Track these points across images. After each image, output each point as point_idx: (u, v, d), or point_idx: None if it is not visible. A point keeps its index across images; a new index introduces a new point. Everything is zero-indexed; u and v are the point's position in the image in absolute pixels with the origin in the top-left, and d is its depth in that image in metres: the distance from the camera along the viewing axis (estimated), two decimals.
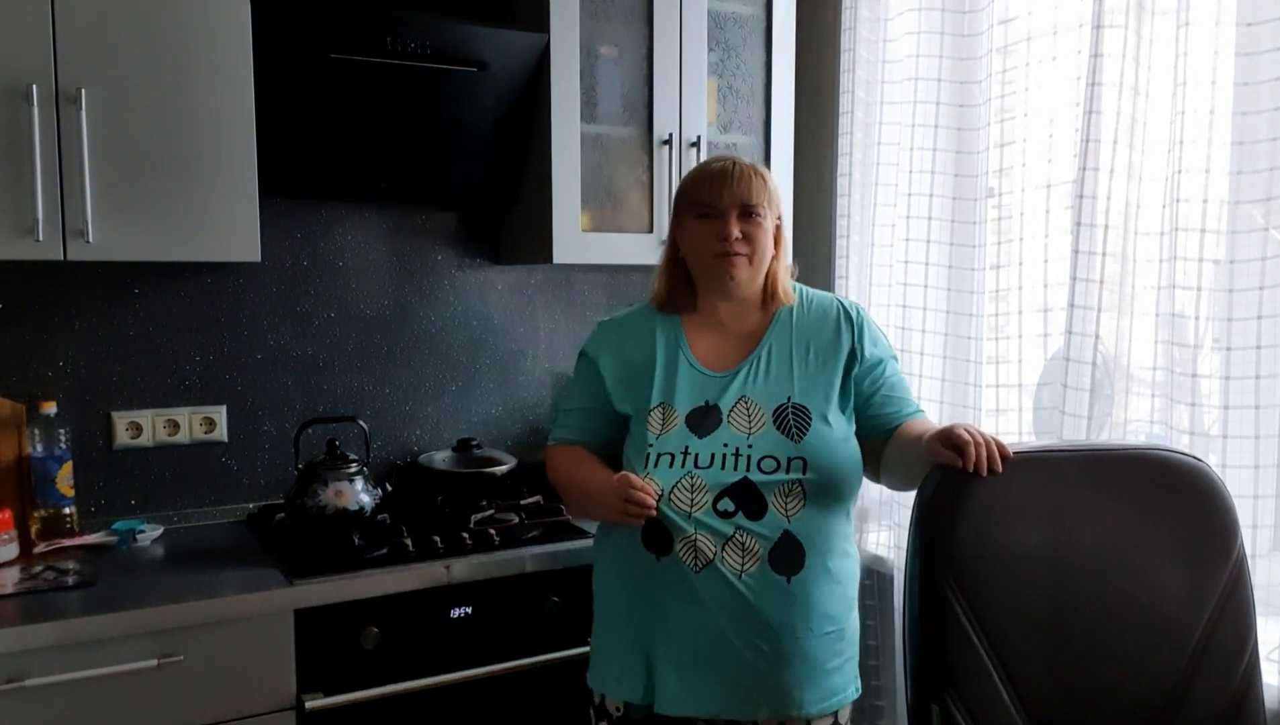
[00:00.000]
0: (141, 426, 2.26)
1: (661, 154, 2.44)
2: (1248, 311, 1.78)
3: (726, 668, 1.61)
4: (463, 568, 2.02)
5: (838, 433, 1.66)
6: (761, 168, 1.73)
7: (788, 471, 1.60)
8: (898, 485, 1.84)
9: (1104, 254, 2.00)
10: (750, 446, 1.62)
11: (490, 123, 2.32)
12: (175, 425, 2.29)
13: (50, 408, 2.10)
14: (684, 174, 2.44)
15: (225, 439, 2.35)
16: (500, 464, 2.44)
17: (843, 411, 1.69)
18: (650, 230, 2.46)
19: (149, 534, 2.15)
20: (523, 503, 2.34)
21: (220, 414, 2.34)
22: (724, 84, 2.56)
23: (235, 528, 2.29)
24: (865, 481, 1.74)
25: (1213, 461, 1.76)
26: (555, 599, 2.11)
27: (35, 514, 2.08)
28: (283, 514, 2.17)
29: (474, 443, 2.50)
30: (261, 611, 1.83)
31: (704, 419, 1.66)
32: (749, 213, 1.68)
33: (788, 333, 1.73)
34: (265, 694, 1.84)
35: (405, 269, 2.53)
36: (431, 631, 2.00)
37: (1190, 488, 1.53)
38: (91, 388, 2.22)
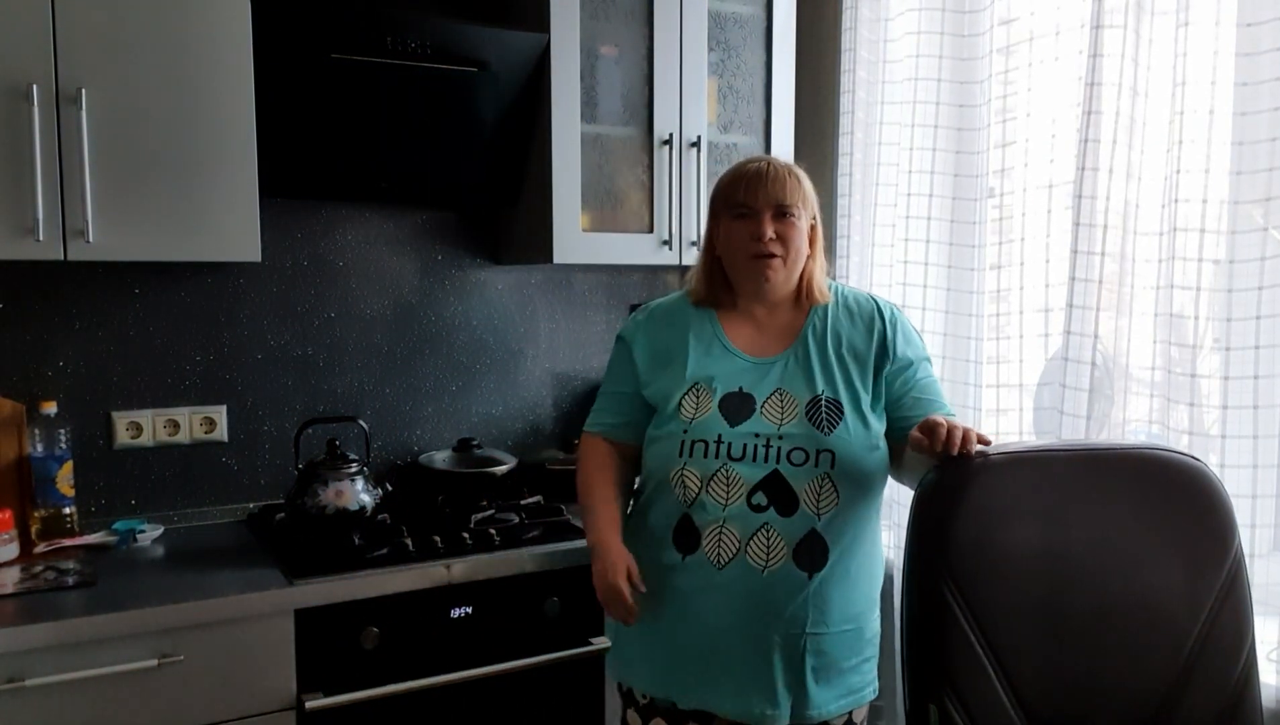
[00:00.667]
0: (142, 426, 2.26)
1: (662, 154, 2.44)
2: (1247, 311, 1.78)
3: (745, 665, 1.62)
4: (463, 568, 2.02)
5: (868, 429, 1.65)
6: (796, 168, 1.73)
7: (816, 464, 1.60)
8: (913, 485, 1.84)
9: (1103, 254, 2.00)
10: (781, 437, 1.62)
11: (490, 123, 2.32)
12: (175, 425, 2.30)
13: (50, 408, 2.10)
14: (683, 174, 2.48)
15: (225, 439, 2.35)
16: (500, 464, 2.44)
17: (874, 410, 1.68)
18: (650, 230, 2.46)
19: (149, 534, 2.15)
20: (523, 503, 2.34)
21: (220, 414, 2.34)
22: (724, 84, 2.56)
23: (235, 528, 2.29)
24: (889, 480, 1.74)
25: (1211, 461, 1.76)
26: (555, 599, 2.11)
27: (35, 514, 2.09)
28: (283, 514, 2.17)
29: (474, 442, 2.50)
30: (262, 611, 1.84)
31: (739, 407, 1.66)
32: (783, 213, 1.68)
33: (823, 329, 1.72)
34: (265, 694, 1.85)
35: (405, 269, 2.53)
36: (432, 631, 2.00)
37: (1189, 487, 1.52)
38: (92, 388, 2.22)
